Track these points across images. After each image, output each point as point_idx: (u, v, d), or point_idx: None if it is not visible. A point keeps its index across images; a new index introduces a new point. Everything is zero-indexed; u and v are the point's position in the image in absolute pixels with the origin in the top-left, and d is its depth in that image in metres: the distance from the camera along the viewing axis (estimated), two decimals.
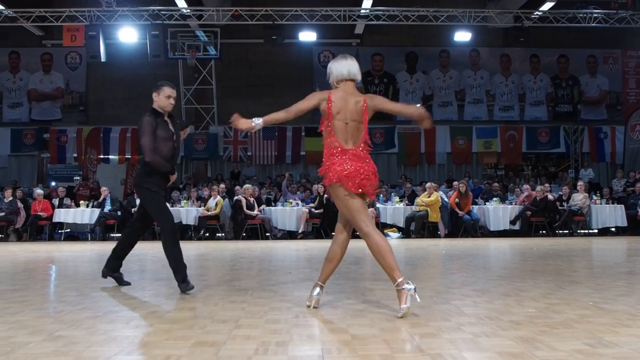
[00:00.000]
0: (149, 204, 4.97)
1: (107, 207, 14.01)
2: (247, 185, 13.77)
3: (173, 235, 4.92)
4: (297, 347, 2.95)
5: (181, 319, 3.65)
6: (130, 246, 5.35)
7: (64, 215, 13.94)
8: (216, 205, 13.38)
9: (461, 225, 13.55)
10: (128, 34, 16.50)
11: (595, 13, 16.09)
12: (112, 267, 5.29)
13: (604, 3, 16.01)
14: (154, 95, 5.20)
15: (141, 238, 5.54)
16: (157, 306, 4.16)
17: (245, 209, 13.12)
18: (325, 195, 13.56)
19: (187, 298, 4.51)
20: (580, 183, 14.62)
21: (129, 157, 18.25)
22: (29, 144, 18.57)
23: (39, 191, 14.47)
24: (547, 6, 16.32)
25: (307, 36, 17.24)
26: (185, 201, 14.16)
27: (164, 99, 5.16)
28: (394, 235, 13.38)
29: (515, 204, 14.23)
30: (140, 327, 3.43)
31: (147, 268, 7.43)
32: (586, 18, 16.19)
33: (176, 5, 15.39)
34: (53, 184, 18.10)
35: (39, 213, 13.85)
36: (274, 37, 15.67)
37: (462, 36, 17.45)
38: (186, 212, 13.61)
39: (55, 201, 14.59)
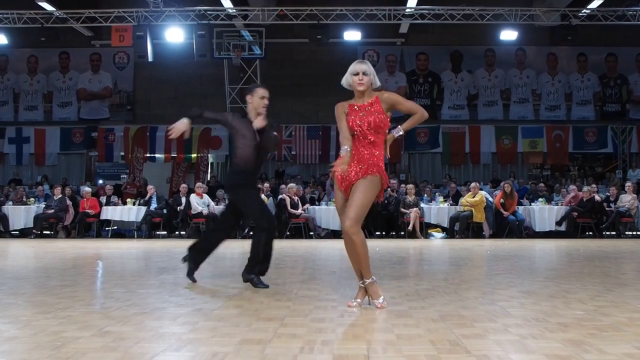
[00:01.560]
0: (246, 202, 5.08)
1: (154, 205, 14.28)
2: (291, 185, 13.86)
3: (271, 235, 5.05)
4: (342, 345, 2.97)
5: (227, 317, 3.71)
6: (217, 245, 5.39)
7: (111, 212, 14.28)
8: None
9: (506, 225, 13.35)
10: (175, 34, 16.80)
11: None
12: (196, 261, 5.35)
13: None
14: (248, 97, 5.15)
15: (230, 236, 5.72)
16: (203, 304, 4.22)
17: (289, 207, 13.22)
18: None
19: (233, 296, 4.58)
20: (628, 184, 14.26)
21: (175, 155, 18.57)
22: (78, 142, 19.09)
23: (87, 189, 14.87)
24: (595, 4, 15.90)
25: (352, 35, 17.22)
26: None
27: (258, 100, 5.07)
28: (438, 235, 13.29)
29: (562, 205, 13.95)
30: (187, 324, 3.49)
31: None
32: (635, 16, 15.73)
33: (222, 5, 15.60)
34: (100, 182, 18.54)
35: (87, 210, 14.21)
36: (318, 37, 15.72)
37: (508, 35, 17.16)
38: None
39: (103, 199, 14.94)
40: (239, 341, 3.03)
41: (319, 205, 14.26)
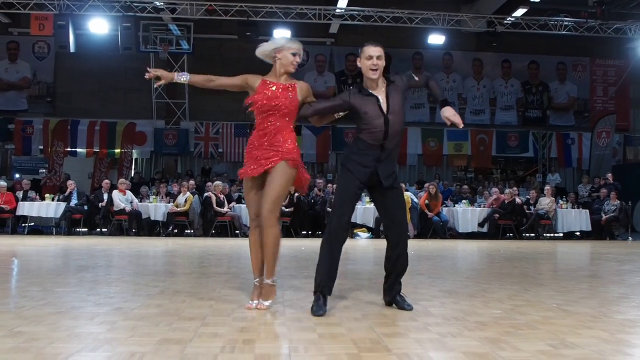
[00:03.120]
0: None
1: (74, 202, 13.78)
2: (217, 182, 13.68)
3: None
4: (264, 345, 2.93)
5: (147, 316, 3.60)
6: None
7: (28, 208, 13.65)
8: (186, 201, 13.27)
9: (430, 226, 13.67)
10: (99, 25, 16.23)
11: (566, 21, 16.40)
12: None
13: (574, 12, 16.32)
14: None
15: None
16: (123, 303, 4.08)
17: (215, 206, 13.04)
18: (297, 194, 13.55)
19: (154, 295, 4.45)
20: (547, 187, 14.87)
21: (98, 150, 17.93)
22: None
23: (2, 183, 14.11)
24: (519, 13, 16.59)
25: (282, 34, 17.13)
26: (154, 197, 14.02)
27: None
28: (363, 235, 13.44)
29: (484, 207, 14.40)
30: (104, 324, 3.36)
31: (113, 264, 7.33)
32: (557, 26, 16.48)
33: None
34: (17, 176, 17.71)
35: (1, 206, 13.54)
36: (248, 34, 15.58)
37: (436, 39, 17.59)
38: (155, 208, 13.47)
39: (20, 194, 14.27)
40: (158, 341, 2.95)
41: (245, 203, 14.10)
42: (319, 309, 3.72)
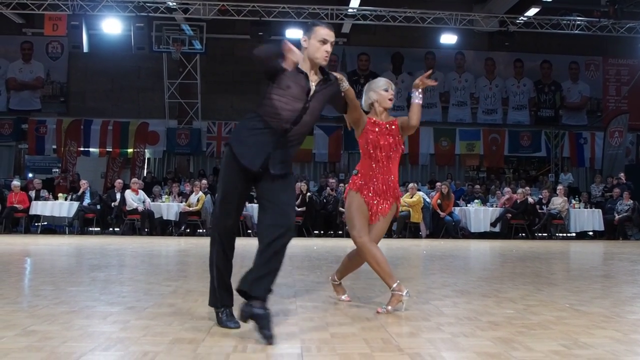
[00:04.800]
0: None
1: (87, 201, 13.87)
2: None
3: None
4: (276, 345, 2.93)
5: (160, 315, 3.61)
6: None
7: (41, 207, 13.75)
8: (198, 201, 13.31)
9: (442, 226, 13.63)
10: (112, 25, 16.33)
11: (579, 20, 16.29)
12: None
13: (587, 11, 16.21)
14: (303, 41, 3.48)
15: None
16: (135, 302, 4.09)
17: None
18: (308, 194, 13.57)
19: (166, 294, 4.47)
20: (559, 187, 14.80)
21: (110, 150, 18.07)
22: (7, 134, 18.25)
23: (15, 182, 14.24)
24: (532, 12, 16.49)
25: (294, 33, 17.15)
26: (166, 196, 14.08)
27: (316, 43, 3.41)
28: None
29: (496, 207, 14.34)
30: (117, 323, 3.38)
31: (126, 263, 7.37)
32: (569, 25, 16.37)
33: None
34: (30, 175, 17.83)
35: (15, 205, 13.65)
36: (260, 34, 15.61)
37: (448, 39, 17.53)
38: (167, 207, 13.53)
39: (32, 193, 14.37)
40: (170, 340, 2.95)
41: (257, 203, 14.11)
42: (227, 320, 3.32)
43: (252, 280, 3.15)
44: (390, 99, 4.04)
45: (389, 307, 3.78)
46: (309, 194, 13.59)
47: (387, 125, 4.03)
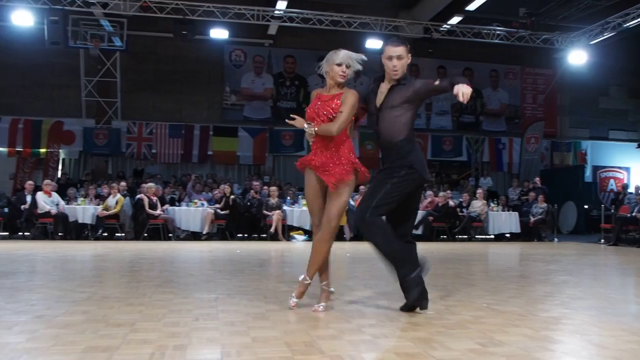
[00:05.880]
0: None
1: None
2: (150, 184, 13.32)
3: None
4: (195, 350, 2.86)
5: (72, 324, 3.43)
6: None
7: None
8: (116, 203, 12.85)
9: None
10: (22, 17, 15.38)
11: (498, 30, 16.91)
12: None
13: (506, 22, 16.87)
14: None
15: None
16: (45, 310, 3.88)
17: (147, 208, 12.70)
18: (232, 196, 13.39)
19: (80, 301, 4.26)
20: (479, 190, 15.27)
21: (20, 150, 17.13)
22: None
23: None
24: (454, 20, 17.04)
25: (219, 33, 16.92)
26: (82, 199, 13.50)
27: (385, 61, 4.05)
28: (300, 237, 13.40)
29: (419, 210, 14.62)
30: (24, 333, 3.18)
31: (37, 269, 7.00)
32: (490, 34, 16.97)
33: None
34: None
35: None
36: (184, 32, 15.24)
37: (374, 43, 17.70)
38: (83, 210, 12.96)
39: None
40: (83, 349, 2.82)
41: (179, 206, 13.83)
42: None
43: None
44: (341, 74, 4.02)
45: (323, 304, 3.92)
46: (232, 196, 13.42)
47: (328, 100, 4.00)
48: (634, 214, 13.46)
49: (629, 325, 3.51)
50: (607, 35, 16.18)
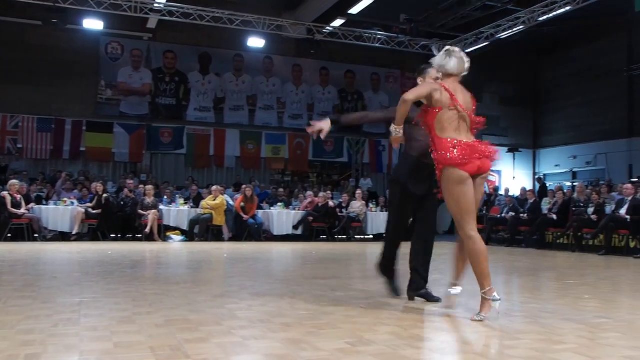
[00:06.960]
0: None
1: None
2: (13, 181, 12.39)
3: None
4: (51, 358, 2.66)
5: None
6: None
7: None
8: None
9: (246, 229, 13.68)
10: None
11: (379, 35, 17.45)
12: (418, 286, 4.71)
13: (387, 27, 17.43)
14: (420, 80, 4.71)
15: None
16: None
17: (10, 206, 11.80)
18: (105, 195, 12.78)
19: None
20: (358, 191, 15.64)
21: None
22: None
23: None
24: (337, 23, 17.35)
25: (93, 24, 16.10)
26: None
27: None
28: (176, 238, 13.05)
29: (299, 210, 14.75)
30: None
31: None
32: (371, 38, 17.46)
33: None
34: None
35: None
36: (54, 21, 14.32)
37: (256, 42, 17.68)
38: None
39: None
40: None
41: (46, 204, 12.97)
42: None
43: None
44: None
45: (483, 314, 3.71)
46: (105, 195, 12.81)
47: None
48: (503, 215, 14.37)
49: (492, 322, 3.70)
50: (480, 45, 17.20)
